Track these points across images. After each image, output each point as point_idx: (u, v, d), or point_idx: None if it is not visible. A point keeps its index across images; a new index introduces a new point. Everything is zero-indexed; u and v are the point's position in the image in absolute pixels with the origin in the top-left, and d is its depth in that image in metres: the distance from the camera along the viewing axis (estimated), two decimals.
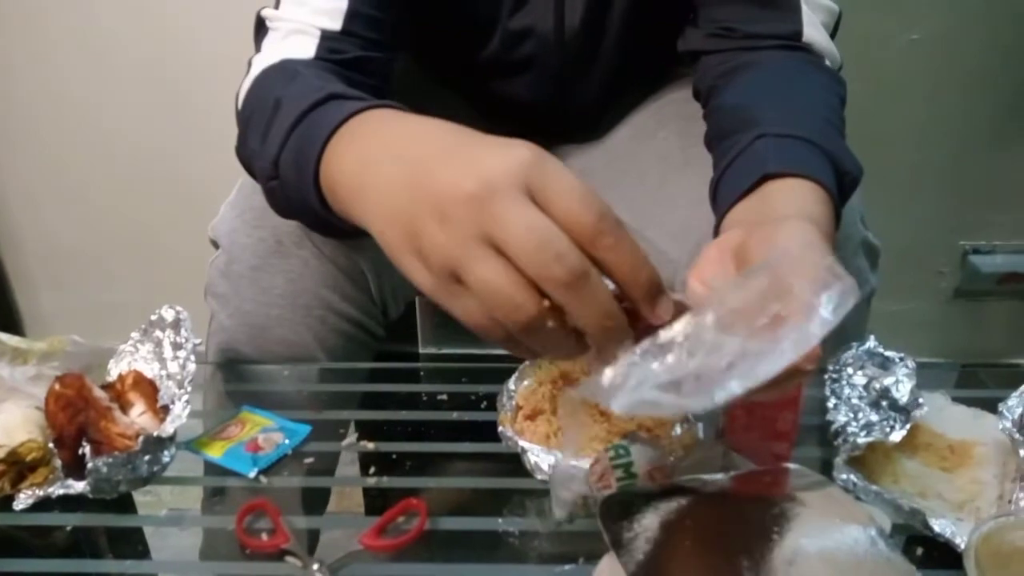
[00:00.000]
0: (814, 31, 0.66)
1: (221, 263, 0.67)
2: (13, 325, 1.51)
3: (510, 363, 0.59)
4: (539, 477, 0.53)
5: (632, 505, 0.43)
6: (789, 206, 0.50)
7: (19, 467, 0.52)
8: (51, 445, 0.53)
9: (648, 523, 0.42)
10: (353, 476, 0.61)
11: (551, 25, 0.72)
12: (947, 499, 0.50)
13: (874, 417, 0.54)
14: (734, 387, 0.35)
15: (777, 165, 0.52)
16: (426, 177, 0.38)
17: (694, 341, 0.36)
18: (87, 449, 0.52)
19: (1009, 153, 1.33)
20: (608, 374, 0.36)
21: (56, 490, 0.51)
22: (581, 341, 0.38)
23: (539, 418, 0.56)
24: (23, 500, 0.51)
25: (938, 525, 0.46)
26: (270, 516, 0.50)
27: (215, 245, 0.69)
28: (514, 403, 0.58)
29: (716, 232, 0.55)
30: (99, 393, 0.55)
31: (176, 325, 0.60)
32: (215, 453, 0.56)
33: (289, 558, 0.48)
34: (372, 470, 0.57)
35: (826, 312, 0.36)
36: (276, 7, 0.64)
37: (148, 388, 0.58)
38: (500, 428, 0.56)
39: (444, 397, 0.64)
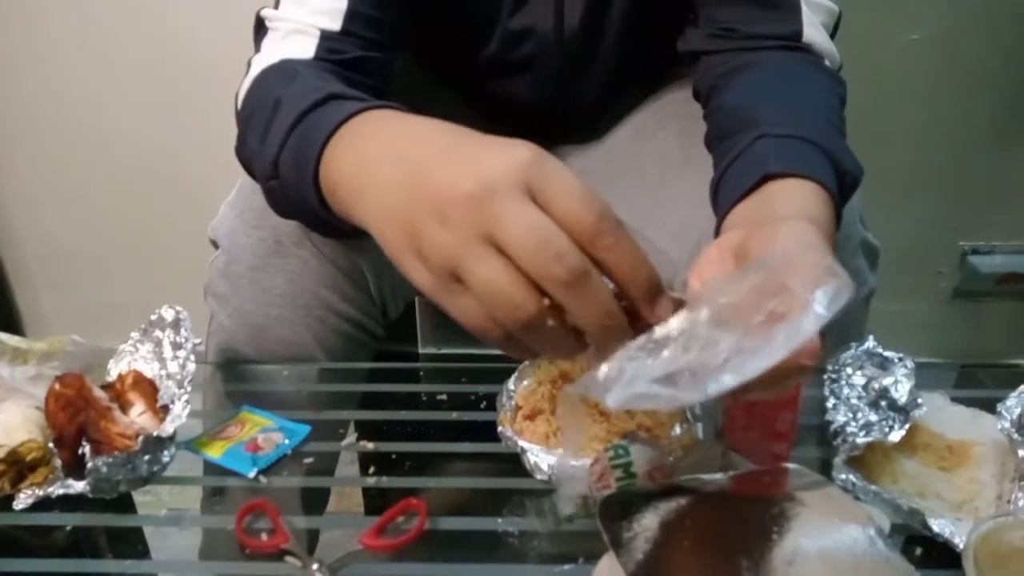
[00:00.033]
0: (814, 31, 0.66)
1: (221, 263, 0.67)
2: (13, 325, 1.51)
3: (509, 363, 0.59)
4: (538, 477, 0.53)
5: (631, 505, 0.43)
6: (790, 206, 0.50)
7: (19, 467, 0.52)
8: (51, 445, 0.53)
9: (647, 523, 0.42)
10: (353, 476, 0.61)
11: (551, 25, 0.72)
12: (946, 499, 0.50)
13: (873, 417, 0.54)
14: (727, 380, 0.35)
15: (778, 165, 0.52)
16: (426, 177, 0.38)
17: (688, 336, 0.36)
18: (87, 449, 0.52)
19: (1008, 153, 1.33)
20: (603, 369, 0.36)
21: (56, 490, 0.51)
22: (580, 340, 0.38)
23: (538, 418, 0.56)
24: (23, 500, 0.51)
25: (937, 525, 0.46)
26: (270, 516, 0.50)
27: (215, 245, 0.69)
28: (513, 403, 0.58)
29: (717, 232, 0.55)
30: (99, 393, 0.55)
31: (176, 325, 0.60)
32: (215, 453, 0.56)
33: (289, 558, 0.48)
34: (372, 470, 0.57)
35: (820, 308, 0.36)
36: (276, 7, 0.64)
37: (148, 388, 0.58)
38: (500, 428, 0.56)
39: (444, 397, 0.64)
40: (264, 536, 0.50)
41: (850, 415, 0.55)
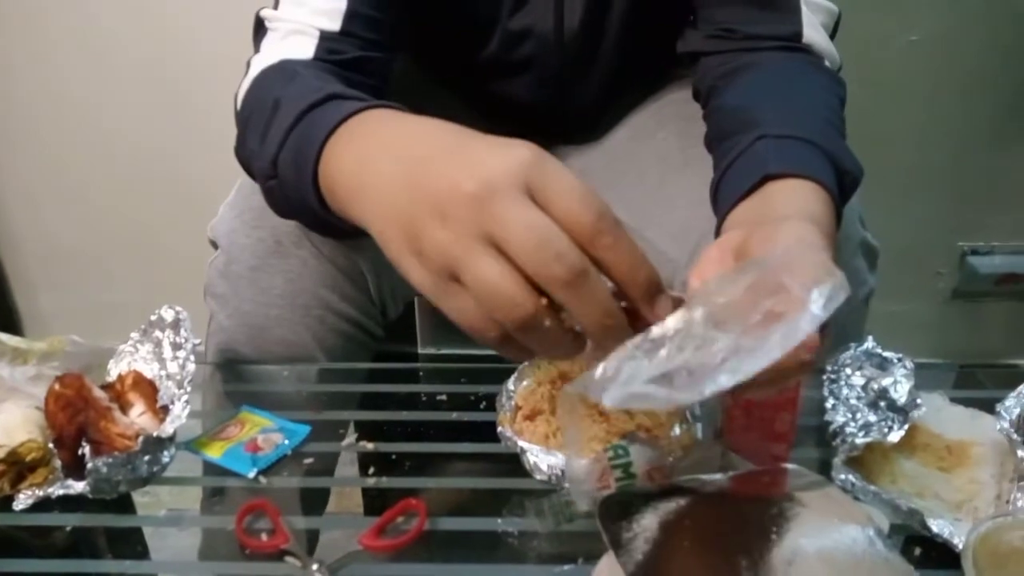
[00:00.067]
0: (814, 32, 0.66)
1: (220, 263, 0.67)
2: (12, 325, 1.51)
3: (509, 364, 0.59)
4: (538, 477, 0.53)
5: (631, 505, 0.43)
6: (790, 206, 0.51)
7: (19, 467, 0.52)
8: (51, 445, 0.53)
9: (647, 523, 0.42)
10: (352, 476, 0.61)
11: (551, 26, 0.72)
12: (945, 499, 0.50)
13: (872, 417, 0.54)
14: (723, 380, 0.35)
15: (778, 166, 0.52)
16: (426, 177, 0.38)
17: (685, 336, 0.36)
18: (87, 449, 0.52)
19: (1008, 154, 1.33)
20: (600, 368, 0.36)
21: (56, 490, 0.51)
22: (577, 341, 0.38)
23: (538, 418, 0.56)
24: (23, 500, 0.51)
25: (936, 525, 0.46)
26: (269, 516, 0.50)
27: (214, 246, 0.69)
28: (513, 403, 0.58)
29: (717, 233, 0.55)
30: (99, 393, 0.55)
31: (176, 325, 0.60)
32: (214, 453, 0.56)
33: (288, 558, 0.48)
34: (371, 470, 0.57)
35: (816, 307, 0.36)
36: (275, 7, 0.64)
37: (148, 388, 0.58)
38: (499, 428, 0.56)
39: (443, 397, 0.64)
40: (264, 536, 0.50)
41: (849, 415, 0.55)
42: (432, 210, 0.37)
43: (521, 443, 0.54)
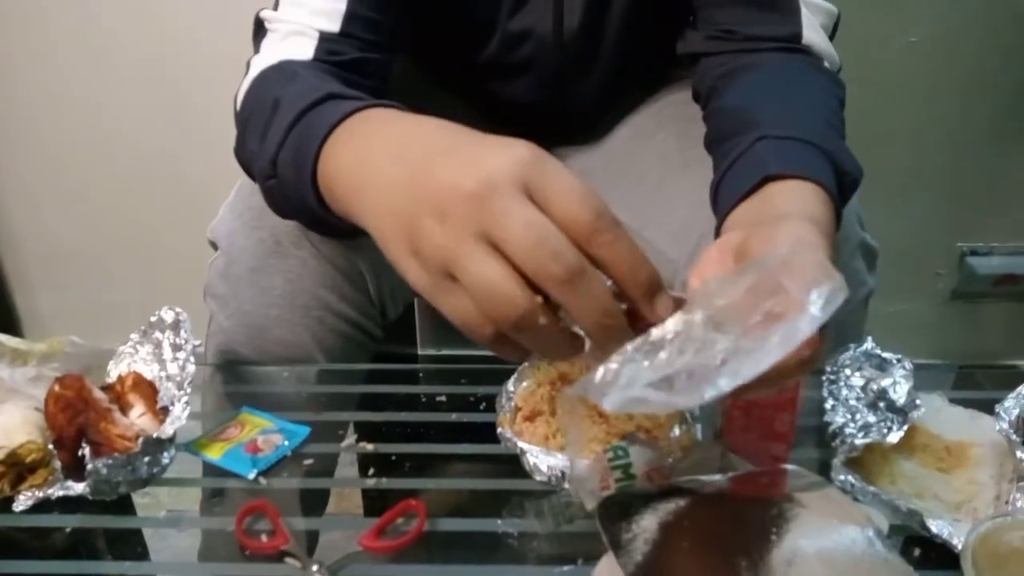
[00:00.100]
0: (813, 33, 0.66)
1: (220, 264, 0.67)
2: (11, 326, 1.51)
3: (509, 365, 0.59)
4: (538, 478, 0.53)
5: (631, 506, 0.43)
6: (790, 207, 0.51)
7: (19, 468, 0.52)
8: (51, 446, 0.53)
9: (647, 524, 0.42)
10: (352, 477, 0.61)
11: (550, 27, 0.72)
12: (944, 500, 0.50)
13: (872, 418, 0.54)
14: (723, 384, 0.35)
15: (778, 167, 0.52)
16: (425, 176, 0.38)
17: (685, 338, 0.36)
18: (87, 450, 0.52)
19: (1007, 155, 1.33)
20: (600, 372, 0.36)
21: (56, 491, 0.51)
22: (575, 341, 0.38)
23: (538, 419, 0.56)
24: (23, 502, 0.51)
25: (935, 526, 0.46)
26: (269, 517, 0.50)
27: (214, 247, 0.69)
28: (513, 404, 0.58)
29: (717, 234, 0.55)
30: (99, 394, 0.55)
31: (175, 326, 0.60)
32: (214, 454, 0.56)
33: (288, 559, 0.48)
34: (371, 471, 0.57)
35: (815, 309, 0.36)
36: (275, 8, 0.64)
37: (148, 389, 0.58)
38: (499, 429, 0.56)
39: (443, 398, 0.64)
40: (264, 538, 0.50)
41: (849, 416, 0.55)
42: (431, 209, 0.37)
43: (521, 444, 0.54)
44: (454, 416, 0.61)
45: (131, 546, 0.52)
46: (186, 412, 0.54)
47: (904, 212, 1.35)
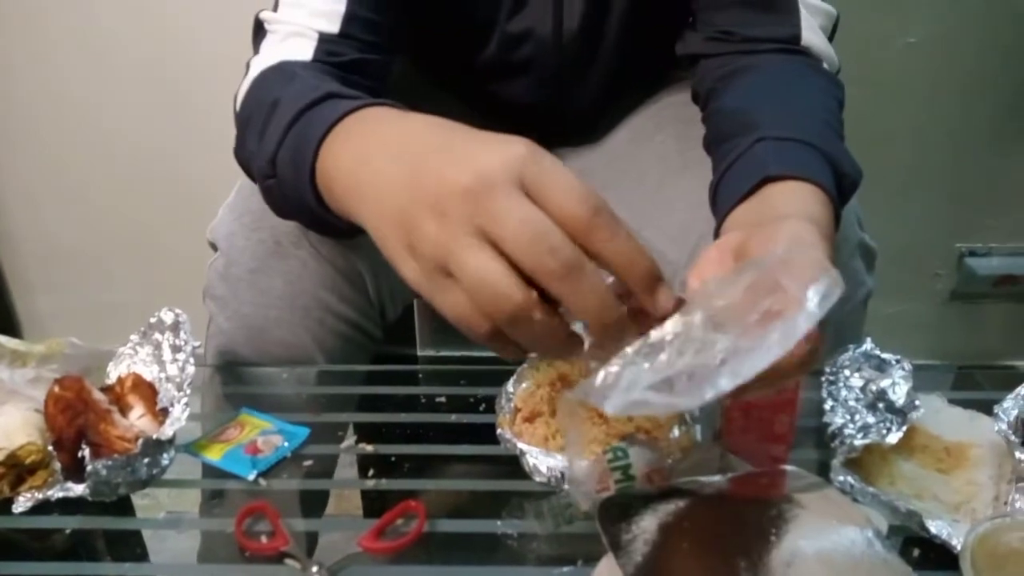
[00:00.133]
0: (812, 35, 0.66)
1: (220, 266, 0.67)
2: (11, 327, 1.51)
3: (508, 366, 0.59)
4: (537, 479, 0.53)
5: (630, 507, 0.43)
6: (789, 208, 0.51)
7: (18, 470, 0.52)
8: (50, 448, 0.53)
9: (646, 525, 0.42)
10: (352, 478, 0.61)
11: (549, 28, 0.72)
12: (943, 500, 0.50)
13: (871, 419, 0.54)
14: (723, 384, 0.35)
15: (777, 168, 0.53)
16: (423, 174, 0.38)
17: (684, 339, 0.36)
18: (86, 452, 0.52)
19: (1006, 156, 1.33)
20: (601, 375, 0.36)
21: (55, 493, 0.51)
22: (573, 339, 0.38)
23: (538, 420, 0.56)
24: (22, 503, 0.51)
25: (934, 526, 0.46)
26: (269, 519, 0.50)
27: (214, 248, 0.69)
28: (513, 405, 0.58)
29: (716, 234, 0.56)
30: (98, 396, 0.55)
31: (175, 328, 0.60)
32: (214, 456, 0.56)
33: (288, 560, 0.48)
34: (371, 472, 0.57)
35: (812, 305, 0.36)
36: (275, 9, 0.64)
37: (147, 391, 0.58)
38: (499, 430, 0.56)
39: (443, 399, 0.64)
40: (263, 539, 0.50)
41: (848, 417, 0.55)
42: (428, 206, 0.37)
43: (520, 445, 0.54)
44: (453, 417, 0.61)
45: (131, 547, 0.52)
46: (186, 413, 0.54)
47: (903, 212, 1.35)
